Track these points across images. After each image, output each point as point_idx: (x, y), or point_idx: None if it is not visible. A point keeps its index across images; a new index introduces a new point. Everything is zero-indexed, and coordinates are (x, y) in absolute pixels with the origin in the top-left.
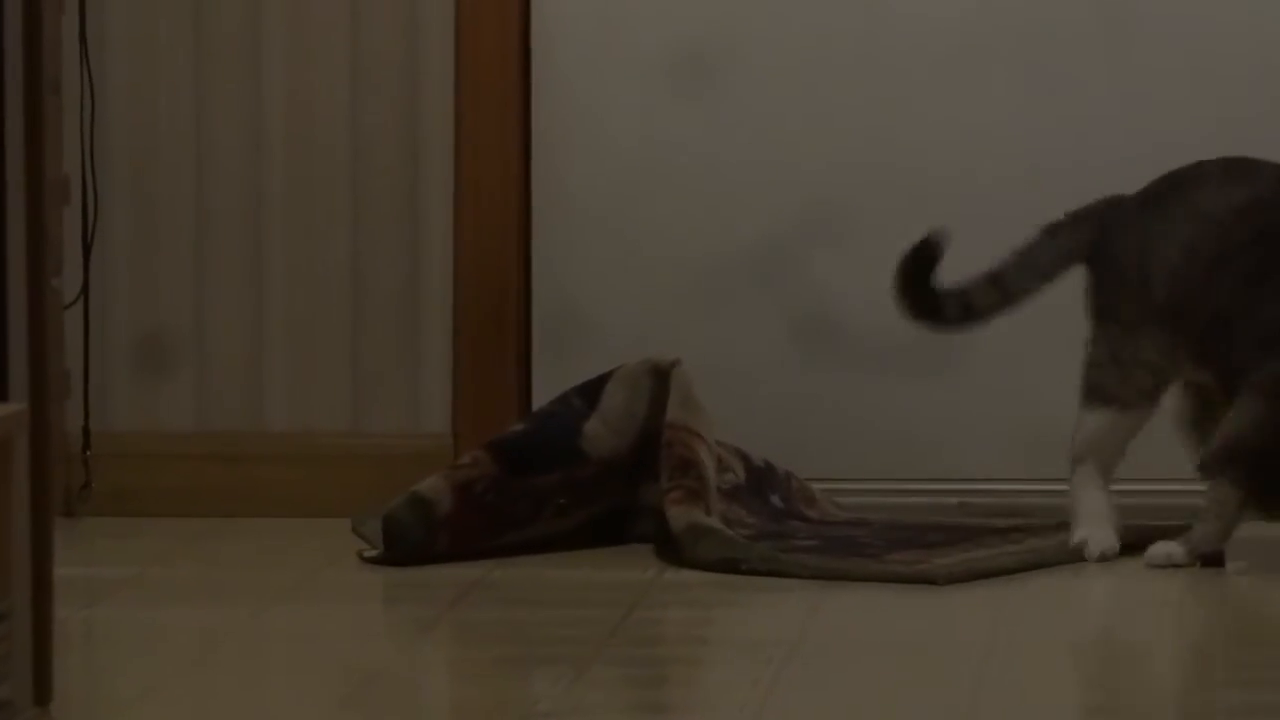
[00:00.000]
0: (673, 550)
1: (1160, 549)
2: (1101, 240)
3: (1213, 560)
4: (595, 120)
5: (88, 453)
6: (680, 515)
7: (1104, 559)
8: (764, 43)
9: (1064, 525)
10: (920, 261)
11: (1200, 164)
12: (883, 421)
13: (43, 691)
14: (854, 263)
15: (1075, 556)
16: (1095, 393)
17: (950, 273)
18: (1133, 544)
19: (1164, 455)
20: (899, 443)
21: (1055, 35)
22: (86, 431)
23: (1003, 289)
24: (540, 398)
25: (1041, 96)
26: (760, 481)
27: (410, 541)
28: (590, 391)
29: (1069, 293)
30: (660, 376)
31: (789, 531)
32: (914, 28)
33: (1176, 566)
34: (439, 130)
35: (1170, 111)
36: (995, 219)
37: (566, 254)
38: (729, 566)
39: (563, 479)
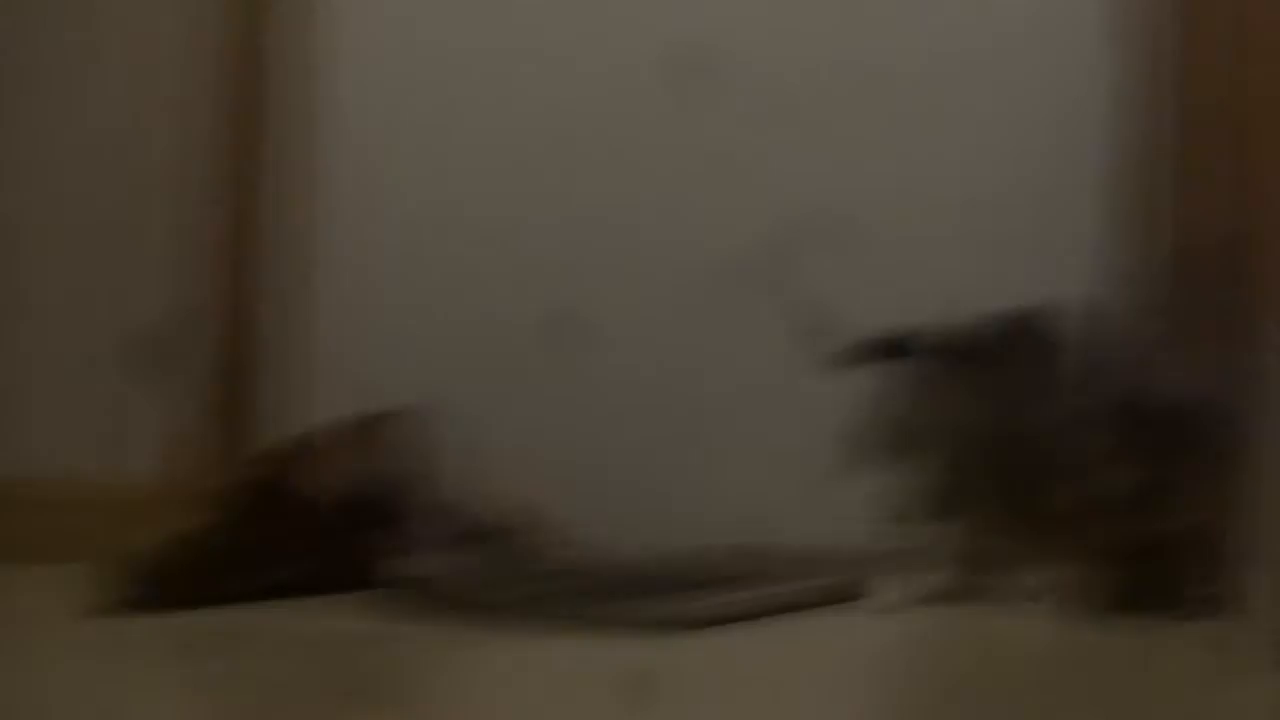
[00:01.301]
0: (409, 597)
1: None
2: None
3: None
4: (376, 172)
5: None
6: (415, 562)
7: None
8: (508, 109)
9: (814, 571)
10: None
11: None
12: (626, 471)
13: None
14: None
15: (820, 601)
16: None
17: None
18: None
19: None
20: (643, 493)
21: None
22: None
23: None
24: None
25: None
26: (498, 530)
27: (145, 590)
28: (323, 436)
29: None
30: (395, 424)
31: (534, 576)
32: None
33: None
34: (208, 170)
35: None
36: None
37: (341, 301)
38: (468, 612)
39: (297, 525)
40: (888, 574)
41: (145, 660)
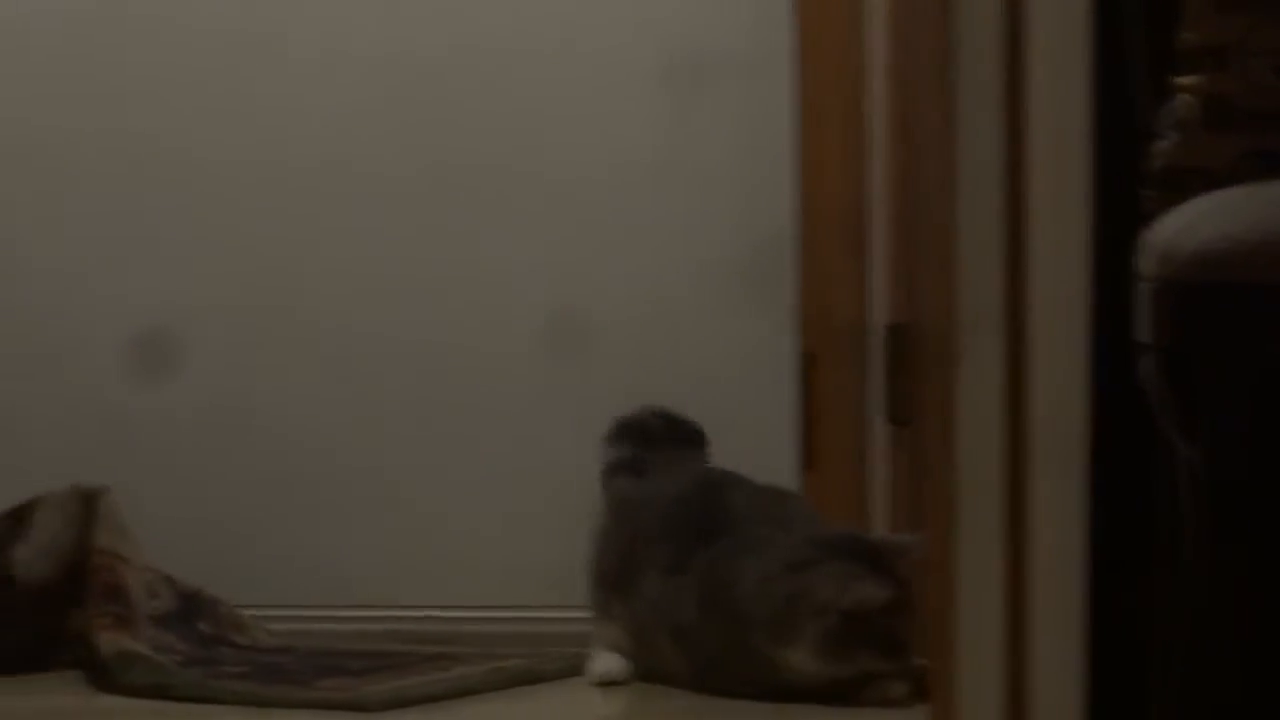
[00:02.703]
0: (102, 677)
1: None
2: None
3: None
4: None
5: None
6: (109, 642)
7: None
8: None
9: (491, 654)
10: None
11: None
12: (312, 548)
13: None
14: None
15: (503, 684)
16: None
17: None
18: None
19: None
20: (328, 570)
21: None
22: None
23: None
24: None
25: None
26: (189, 608)
27: None
28: (19, 516)
29: (487, 426)
30: (88, 502)
31: (218, 658)
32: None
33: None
34: None
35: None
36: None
37: None
38: (159, 693)
39: (3, 601)
40: (565, 655)
41: None
